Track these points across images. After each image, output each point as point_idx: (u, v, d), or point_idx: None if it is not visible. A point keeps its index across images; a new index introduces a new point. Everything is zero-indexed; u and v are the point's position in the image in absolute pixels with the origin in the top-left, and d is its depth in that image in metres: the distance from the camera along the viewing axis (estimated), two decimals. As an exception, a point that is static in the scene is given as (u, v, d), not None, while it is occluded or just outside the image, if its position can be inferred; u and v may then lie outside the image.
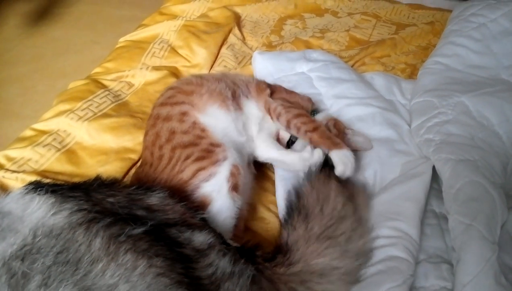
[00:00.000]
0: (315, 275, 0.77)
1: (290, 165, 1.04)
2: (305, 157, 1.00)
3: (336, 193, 0.86)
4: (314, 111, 1.18)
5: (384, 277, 0.79)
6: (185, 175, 0.89)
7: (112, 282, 0.54)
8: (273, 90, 1.17)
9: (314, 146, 1.01)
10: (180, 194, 0.85)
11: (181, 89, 1.03)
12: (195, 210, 0.79)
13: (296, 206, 0.86)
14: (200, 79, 1.05)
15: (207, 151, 0.92)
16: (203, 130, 0.96)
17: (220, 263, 0.67)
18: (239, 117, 1.06)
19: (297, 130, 1.04)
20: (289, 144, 1.11)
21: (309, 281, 0.76)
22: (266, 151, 1.07)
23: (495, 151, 1.06)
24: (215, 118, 1.00)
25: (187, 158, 0.90)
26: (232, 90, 1.06)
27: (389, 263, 0.82)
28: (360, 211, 0.87)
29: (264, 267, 0.77)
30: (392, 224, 0.91)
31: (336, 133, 1.07)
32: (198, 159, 0.90)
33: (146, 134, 1.02)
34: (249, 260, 0.75)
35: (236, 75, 1.15)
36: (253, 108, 1.10)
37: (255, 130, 1.10)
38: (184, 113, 0.98)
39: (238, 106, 1.07)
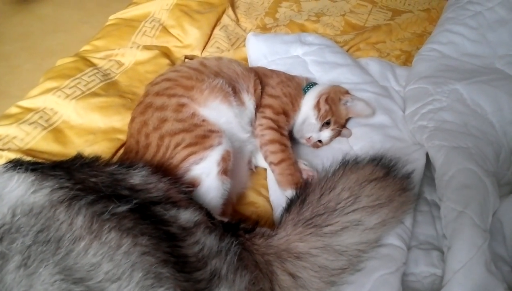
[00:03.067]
0: (292, 256, 0.76)
1: None
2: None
3: (345, 187, 0.82)
4: (310, 84, 1.18)
5: (378, 264, 0.78)
6: (175, 160, 0.88)
7: (95, 261, 0.51)
8: (266, 80, 1.14)
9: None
10: (171, 177, 0.83)
11: (179, 83, 0.99)
12: (180, 184, 0.78)
13: (301, 193, 0.85)
14: (199, 74, 1.02)
15: (202, 137, 0.90)
16: (203, 120, 0.93)
17: (206, 241, 0.66)
18: (242, 112, 1.04)
19: (265, 157, 1.04)
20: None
21: (285, 260, 0.75)
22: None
23: (488, 139, 1.05)
24: (217, 112, 0.97)
25: (177, 145, 0.89)
26: (232, 86, 1.04)
27: (383, 250, 0.81)
28: (368, 216, 0.80)
29: (244, 239, 0.77)
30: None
31: (326, 111, 1.09)
32: (190, 145, 0.88)
33: (132, 121, 0.99)
34: (233, 233, 0.75)
35: (231, 67, 1.10)
36: (252, 105, 1.08)
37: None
38: (182, 105, 0.95)
39: (241, 102, 1.05)
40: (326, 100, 1.11)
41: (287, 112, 1.10)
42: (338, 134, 1.13)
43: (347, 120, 1.17)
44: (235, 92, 1.03)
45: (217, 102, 0.97)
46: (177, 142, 0.89)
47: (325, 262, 0.75)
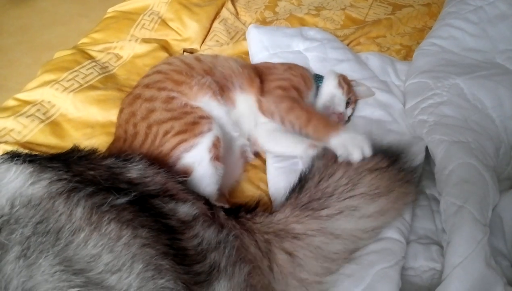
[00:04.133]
0: (289, 235, 0.77)
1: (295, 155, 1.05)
2: (309, 153, 0.98)
3: (344, 175, 0.83)
4: (318, 79, 1.19)
5: (377, 258, 0.78)
6: (166, 148, 0.87)
7: (95, 252, 0.51)
8: (269, 71, 1.13)
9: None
10: (161, 166, 0.82)
11: (170, 77, 0.99)
12: (173, 174, 0.79)
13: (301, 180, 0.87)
14: (190, 70, 1.01)
15: (192, 124, 0.89)
16: (195, 107, 0.93)
17: (205, 234, 0.66)
18: (231, 111, 1.03)
19: (292, 127, 1.01)
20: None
21: (283, 239, 0.77)
22: (267, 146, 1.07)
23: (488, 133, 1.05)
24: (208, 106, 0.97)
25: (166, 133, 0.88)
26: (221, 84, 1.02)
27: (382, 244, 0.81)
28: (365, 204, 0.80)
29: (245, 219, 0.79)
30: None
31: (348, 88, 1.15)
32: (179, 133, 0.88)
33: (120, 112, 0.99)
34: (235, 216, 0.78)
35: (226, 64, 1.08)
36: (247, 102, 1.07)
37: (252, 125, 1.08)
38: (172, 98, 0.94)
39: (230, 101, 1.03)
40: (345, 80, 1.16)
41: (299, 89, 1.09)
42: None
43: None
44: (224, 91, 1.02)
45: (206, 98, 0.97)
46: (166, 130, 0.88)
47: (320, 244, 0.76)
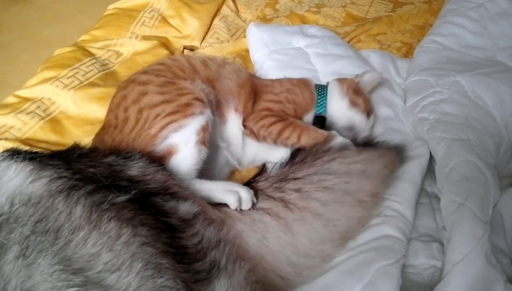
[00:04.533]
0: (292, 179, 0.87)
1: None
2: None
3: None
4: (322, 91, 1.10)
5: (378, 255, 0.78)
6: (154, 129, 0.85)
7: (95, 251, 0.51)
8: (266, 90, 1.08)
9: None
10: (146, 148, 0.84)
11: (172, 70, 0.98)
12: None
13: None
14: (193, 72, 0.99)
15: (185, 105, 0.87)
16: (192, 89, 0.91)
17: (205, 233, 0.66)
18: (222, 125, 1.01)
19: (285, 146, 1.01)
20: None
21: (288, 181, 0.87)
22: (259, 158, 1.06)
23: (489, 131, 1.04)
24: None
25: (157, 116, 0.86)
26: (218, 98, 1.00)
27: (383, 242, 0.81)
28: (354, 157, 0.92)
29: (257, 185, 0.90)
30: (388, 204, 0.89)
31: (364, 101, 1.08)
32: (170, 114, 0.86)
33: (113, 97, 0.97)
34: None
35: (227, 79, 1.04)
36: (238, 124, 1.03)
37: (240, 145, 1.04)
38: (171, 82, 0.92)
39: (223, 117, 1.01)
40: (355, 92, 1.07)
41: (286, 113, 1.05)
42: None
43: None
44: (219, 106, 1.00)
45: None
46: (157, 113, 0.87)
47: (319, 180, 0.86)
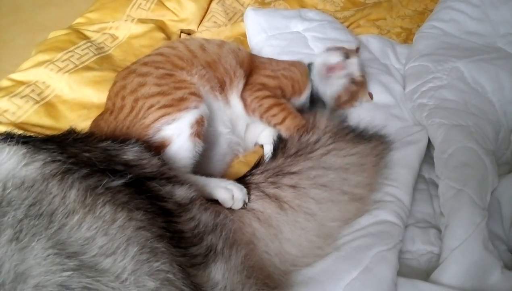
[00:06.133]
0: (288, 173, 0.85)
1: None
2: None
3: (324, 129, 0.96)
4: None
5: (375, 240, 0.78)
6: (147, 120, 0.86)
7: (89, 235, 0.50)
8: (264, 66, 1.10)
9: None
10: (140, 138, 0.83)
11: (171, 60, 0.97)
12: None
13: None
14: (192, 58, 0.98)
15: (179, 99, 0.87)
16: (190, 84, 0.91)
17: (202, 217, 0.65)
18: (226, 109, 1.01)
19: (268, 123, 1.03)
20: None
21: (284, 176, 0.86)
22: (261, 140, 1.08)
23: (488, 118, 1.04)
24: (204, 94, 0.95)
25: (151, 107, 0.87)
26: (221, 80, 1.00)
27: (380, 227, 0.81)
28: (349, 149, 0.92)
29: (252, 178, 0.89)
30: (386, 189, 0.89)
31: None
32: (164, 107, 0.86)
33: (113, 85, 0.97)
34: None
35: (228, 58, 1.04)
36: (240, 104, 1.04)
37: (244, 127, 1.06)
38: (170, 75, 0.92)
39: (227, 99, 1.01)
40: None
41: (284, 91, 1.07)
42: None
43: None
44: (223, 89, 1.00)
45: (205, 90, 0.95)
46: (151, 104, 0.87)
47: (316, 176, 0.85)
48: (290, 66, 1.11)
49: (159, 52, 1.00)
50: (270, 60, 1.14)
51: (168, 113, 0.86)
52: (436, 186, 0.97)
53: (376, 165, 0.91)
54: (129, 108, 0.88)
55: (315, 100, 1.10)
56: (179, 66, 0.95)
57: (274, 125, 1.01)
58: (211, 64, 1.00)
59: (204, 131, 0.89)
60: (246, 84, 1.04)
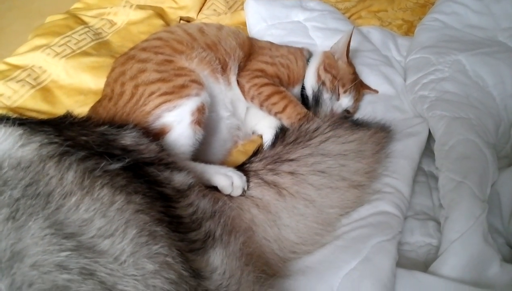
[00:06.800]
0: (287, 161, 0.85)
1: None
2: None
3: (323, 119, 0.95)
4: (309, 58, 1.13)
5: (374, 231, 0.77)
6: (148, 107, 0.85)
7: (87, 216, 0.49)
8: (258, 53, 1.08)
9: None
10: (140, 124, 0.82)
11: (170, 44, 0.96)
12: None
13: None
14: (192, 41, 0.97)
15: (180, 87, 0.86)
16: (190, 71, 0.90)
17: (200, 204, 0.64)
18: (228, 92, 1.00)
19: (268, 112, 1.01)
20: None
21: (283, 163, 0.85)
22: (259, 126, 1.07)
23: (489, 111, 1.03)
24: (205, 81, 0.94)
25: (152, 94, 0.86)
26: (222, 62, 0.99)
27: (380, 218, 0.80)
28: (348, 135, 0.91)
29: (250, 166, 0.88)
30: (385, 180, 0.88)
31: (330, 80, 1.05)
32: (165, 94, 0.85)
33: (111, 71, 0.96)
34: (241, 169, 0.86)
35: (228, 41, 1.03)
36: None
37: (244, 110, 1.05)
38: (169, 61, 0.91)
39: (228, 81, 1.00)
40: (325, 69, 1.07)
41: (281, 79, 1.06)
42: (358, 92, 1.09)
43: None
44: (225, 70, 0.99)
45: (205, 74, 0.94)
46: (152, 91, 0.86)
47: (315, 162, 0.84)
48: (289, 54, 1.10)
49: (158, 37, 0.99)
50: (270, 45, 1.13)
51: (169, 100, 0.85)
52: (435, 178, 0.97)
53: (376, 152, 0.90)
54: (129, 95, 0.87)
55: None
56: (179, 50, 0.94)
57: (275, 114, 1.00)
58: (211, 46, 0.99)
59: (204, 119, 0.88)
60: (244, 69, 1.03)
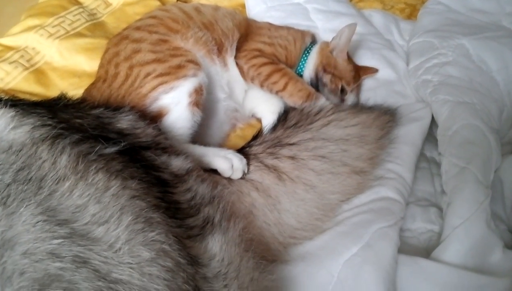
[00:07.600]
0: (287, 145, 0.84)
1: None
2: None
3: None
4: (312, 44, 1.10)
5: (376, 216, 0.76)
6: (144, 89, 0.83)
7: (81, 202, 0.47)
8: (255, 33, 1.05)
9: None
10: (137, 107, 0.81)
11: (164, 23, 0.93)
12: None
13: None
14: (187, 20, 0.95)
15: (177, 67, 0.84)
16: (185, 50, 0.88)
17: (198, 189, 0.63)
18: (224, 73, 0.98)
19: (270, 91, 1.00)
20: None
21: (282, 147, 0.84)
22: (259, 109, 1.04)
23: (492, 96, 1.02)
24: (201, 60, 0.91)
25: (147, 75, 0.84)
26: (219, 43, 0.96)
27: (381, 203, 0.79)
28: (349, 120, 0.89)
29: (250, 150, 0.86)
30: (387, 165, 0.87)
31: (332, 81, 1.02)
32: (161, 75, 0.83)
33: (105, 52, 0.94)
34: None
35: (225, 21, 1.01)
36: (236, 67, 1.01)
37: (243, 91, 1.03)
38: (164, 40, 0.89)
39: (224, 62, 0.98)
40: (324, 70, 1.03)
41: (278, 59, 1.03)
42: (359, 85, 1.06)
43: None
44: (220, 51, 0.97)
45: (201, 54, 0.92)
46: (148, 72, 0.84)
47: (316, 147, 0.83)
48: (288, 35, 1.07)
49: (152, 15, 0.97)
50: (269, 26, 1.10)
51: (166, 82, 0.82)
52: (437, 164, 0.95)
53: (380, 138, 0.88)
54: (124, 76, 0.85)
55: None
56: (174, 29, 0.91)
57: (276, 93, 0.98)
58: (207, 25, 0.96)
59: (202, 101, 0.86)
60: (241, 50, 1.00)
